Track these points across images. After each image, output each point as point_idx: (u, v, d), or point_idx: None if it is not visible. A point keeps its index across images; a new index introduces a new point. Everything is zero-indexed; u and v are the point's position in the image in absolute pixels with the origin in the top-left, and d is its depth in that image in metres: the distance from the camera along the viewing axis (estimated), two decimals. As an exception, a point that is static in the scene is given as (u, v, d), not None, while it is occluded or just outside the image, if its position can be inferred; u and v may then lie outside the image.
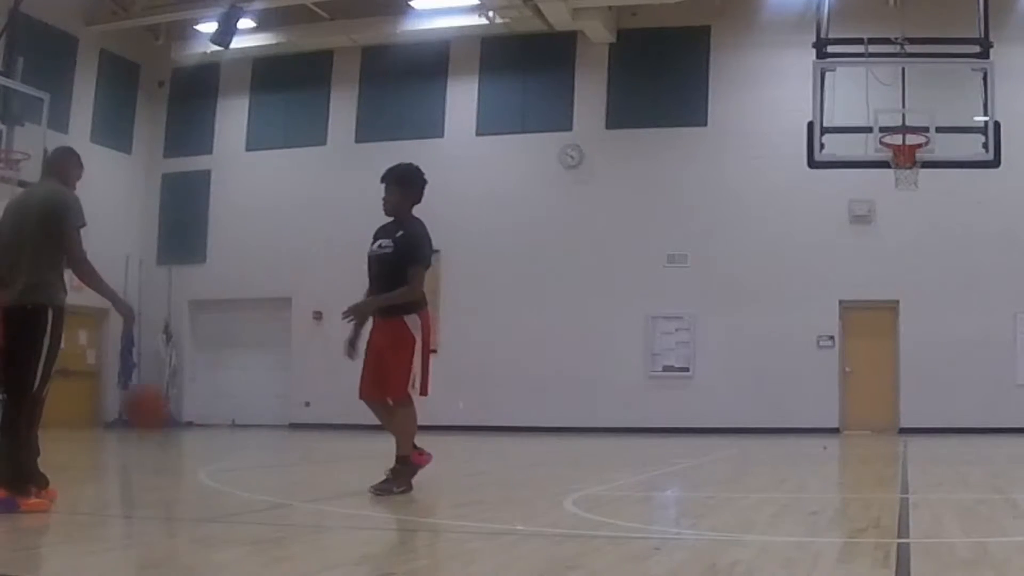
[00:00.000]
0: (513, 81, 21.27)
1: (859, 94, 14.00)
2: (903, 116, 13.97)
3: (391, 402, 7.23)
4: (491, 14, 20.09)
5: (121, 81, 22.06)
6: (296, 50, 21.75)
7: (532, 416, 19.52)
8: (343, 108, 21.92)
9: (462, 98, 21.25)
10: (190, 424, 21.84)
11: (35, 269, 6.07)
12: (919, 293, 18.72)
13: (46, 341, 6.02)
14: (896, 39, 13.82)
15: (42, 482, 6.15)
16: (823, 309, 19.17)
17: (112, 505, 7.61)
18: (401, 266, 7.21)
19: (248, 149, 22.47)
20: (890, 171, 14.29)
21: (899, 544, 4.95)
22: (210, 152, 22.69)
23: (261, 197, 21.86)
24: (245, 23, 19.66)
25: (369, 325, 7.41)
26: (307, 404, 21.14)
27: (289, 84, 22.18)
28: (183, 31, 21.63)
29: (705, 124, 20.12)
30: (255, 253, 21.59)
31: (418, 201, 7.61)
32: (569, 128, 20.73)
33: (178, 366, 22.12)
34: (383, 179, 7.49)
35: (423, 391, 7.32)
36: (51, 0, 19.45)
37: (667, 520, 6.62)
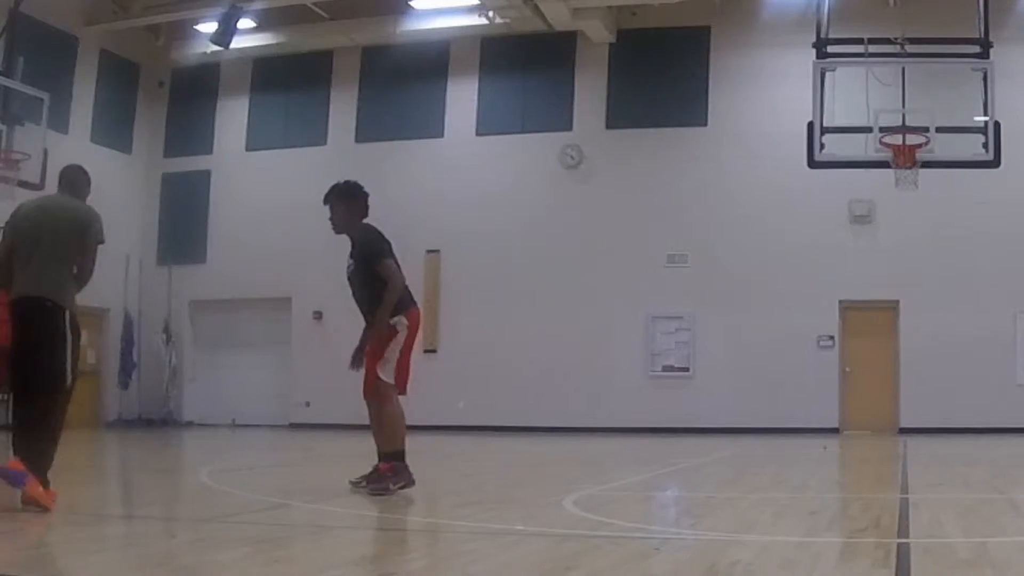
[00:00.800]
0: (513, 81, 21.27)
1: (859, 94, 13.99)
2: (903, 116, 13.95)
3: (364, 396, 7.24)
4: (491, 14, 20.08)
5: (121, 81, 22.05)
6: (296, 50, 21.75)
7: (532, 416, 19.51)
8: (343, 108, 21.91)
9: (462, 98, 21.24)
10: (190, 424, 21.85)
11: (56, 273, 6.20)
12: (919, 293, 18.72)
13: (69, 336, 6.19)
14: (896, 39, 13.80)
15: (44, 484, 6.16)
16: (823, 309, 19.17)
17: (112, 505, 7.61)
18: (370, 275, 7.24)
19: (248, 149, 22.46)
20: (890, 171, 14.27)
21: (899, 544, 4.95)
22: (210, 152, 22.69)
23: (261, 197, 21.85)
24: (245, 23, 19.63)
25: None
26: (307, 404, 21.12)
27: (289, 84, 22.18)
28: (183, 31, 21.62)
29: (705, 124, 20.12)
30: (255, 253, 21.58)
31: (364, 215, 7.61)
32: (569, 128, 20.72)
33: (178, 366, 22.11)
34: (325, 199, 7.55)
35: (403, 388, 7.32)
36: (51, 0, 19.44)
37: (667, 520, 6.62)
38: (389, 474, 7.15)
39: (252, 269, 21.54)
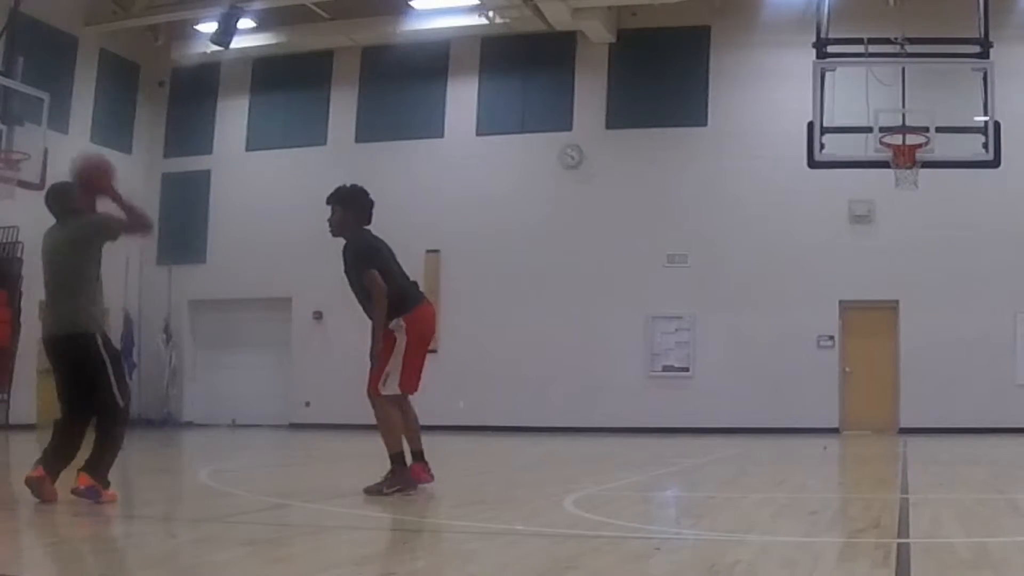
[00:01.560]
0: (513, 81, 21.26)
1: (859, 94, 13.99)
2: (903, 116, 13.96)
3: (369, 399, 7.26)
4: (491, 14, 20.08)
5: (121, 81, 22.04)
6: (296, 50, 21.75)
7: (532, 416, 19.52)
8: (343, 108, 21.91)
9: (462, 98, 21.24)
10: (190, 424, 21.84)
11: (67, 307, 6.43)
12: (919, 293, 18.72)
13: (107, 358, 6.44)
14: (896, 39, 13.81)
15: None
16: (823, 309, 19.17)
17: (112, 505, 7.60)
18: (360, 280, 7.23)
19: (248, 149, 22.46)
20: (890, 171, 14.28)
21: (899, 544, 4.95)
22: (210, 152, 22.69)
23: (261, 197, 21.85)
24: (245, 23, 19.65)
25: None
26: (307, 404, 21.13)
27: (289, 84, 22.18)
28: (183, 31, 21.62)
29: (705, 124, 20.12)
30: (255, 253, 21.58)
31: (365, 221, 7.52)
32: (569, 128, 20.72)
33: (178, 366, 22.12)
34: (328, 200, 7.50)
35: (411, 389, 7.32)
36: (51, 0, 19.45)
37: (667, 520, 6.62)
38: (389, 476, 7.16)
39: (252, 269, 21.53)
